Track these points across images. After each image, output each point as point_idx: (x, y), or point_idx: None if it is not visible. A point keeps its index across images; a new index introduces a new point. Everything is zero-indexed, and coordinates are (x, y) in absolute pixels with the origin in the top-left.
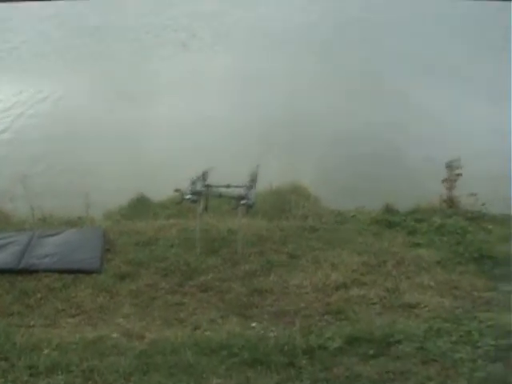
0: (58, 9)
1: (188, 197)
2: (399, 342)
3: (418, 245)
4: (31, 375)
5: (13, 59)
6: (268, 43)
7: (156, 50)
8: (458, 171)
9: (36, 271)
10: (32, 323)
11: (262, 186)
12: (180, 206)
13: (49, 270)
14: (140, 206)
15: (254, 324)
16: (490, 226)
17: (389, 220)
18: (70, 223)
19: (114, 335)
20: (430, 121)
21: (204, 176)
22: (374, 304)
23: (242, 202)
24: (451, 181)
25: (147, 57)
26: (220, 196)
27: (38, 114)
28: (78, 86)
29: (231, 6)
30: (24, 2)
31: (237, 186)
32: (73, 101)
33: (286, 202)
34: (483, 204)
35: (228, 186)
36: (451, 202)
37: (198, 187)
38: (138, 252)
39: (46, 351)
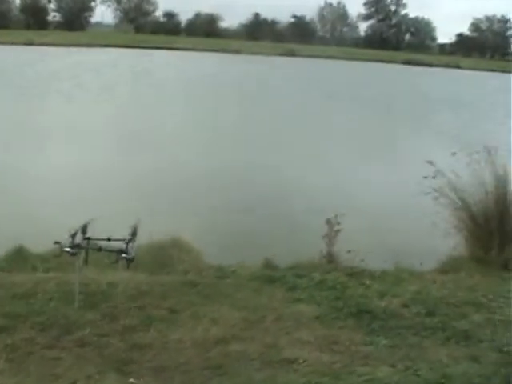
0: None
1: (67, 249)
2: None
3: (297, 300)
4: None
5: None
6: (152, 95)
7: (41, 99)
8: (337, 227)
9: None
10: None
11: (143, 239)
12: (59, 258)
13: None
14: (18, 258)
15: (132, 380)
16: (368, 282)
17: (269, 275)
18: None
19: None
20: (316, 173)
21: (84, 229)
22: (253, 359)
23: (123, 255)
24: (331, 236)
25: (31, 106)
26: (100, 249)
27: None
28: None
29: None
30: None
31: (117, 240)
32: None
33: (167, 256)
34: (362, 260)
35: (108, 240)
36: (331, 258)
37: (78, 240)
38: (15, 305)
39: None
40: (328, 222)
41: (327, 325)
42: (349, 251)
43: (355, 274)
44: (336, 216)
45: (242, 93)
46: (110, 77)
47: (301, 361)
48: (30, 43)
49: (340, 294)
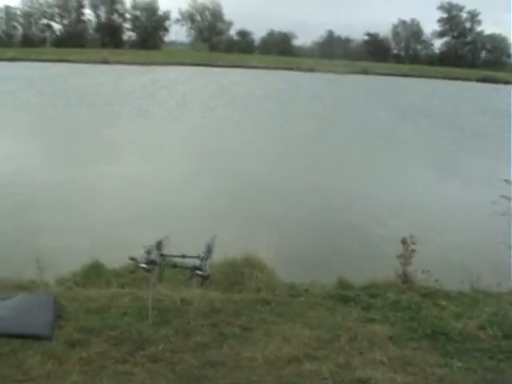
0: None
1: (142, 265)
2: None
3: (371, 320)
4: None
5: None
6: (226, 113)
7: (117, 116)
8: (412, 247)
9: None
10: None
11: (217, 256)
12: (134, 274)
13: None
14: (93, 273)
15: None
16: (443, 302)
17: (343, 294)
18: (22, 287)
19: None
20: (391, 193)
21: (159, 245)
22: (325, 379)
23: (197, 272)
24: (406, 257)
25: (108, 122)
26: (175, 266)
27: None
28: (34, 148)
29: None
30: None
31: (192, 257)
32: (27, 163)
33: (240, 273)
34: (437, 280)
35: (183, 256)
36: (406, 278)
37: (153, 256)
38: (90, 319)
39: None
40: (403, 241)
41: (401, 345)
42: (424, 271)
43: (430, 294)
44: (411, 236)
45: (316, 110)
46: (185, 94)
47: (373, 381)
48: (105, 62)
49: (414, 314)
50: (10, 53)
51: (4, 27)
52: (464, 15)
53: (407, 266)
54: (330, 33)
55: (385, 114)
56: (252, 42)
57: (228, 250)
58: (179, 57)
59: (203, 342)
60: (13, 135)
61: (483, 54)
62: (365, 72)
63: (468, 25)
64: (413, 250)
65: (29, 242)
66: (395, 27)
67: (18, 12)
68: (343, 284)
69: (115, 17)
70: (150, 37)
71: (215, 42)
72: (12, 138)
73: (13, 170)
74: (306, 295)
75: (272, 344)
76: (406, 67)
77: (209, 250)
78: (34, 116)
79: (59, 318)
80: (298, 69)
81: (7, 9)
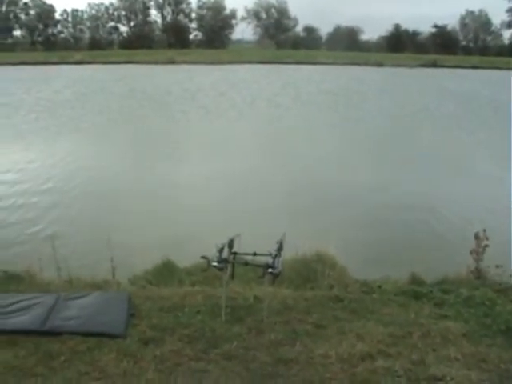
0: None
1: (215, 264)
2: None
3: (444, 316)
4: None
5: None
6: (295, 108)
7: (186, 115)
8: (486, 242)
9: (60, 333)
10: None
11: (287, 253)
12: (206, 273)
13: (73, 333)
14: (165, 272)
15: None
16: None
17: (415, 290)
18: (96, 286)
19: None
20: (463, 187)
21: (230, 243)
22: (399, 376)
23: (269, 270)
24: (479, 252)
25: (178, 119)
26: (247, 264)
27: (67, 174)
28: (107, 146)
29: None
30: None
31: (263, 255)
32: (98, 161)
33: (311, 270)
34: (511, 275)
35: (254, 254)
36: (479, 273)
37: (225, 255)
38: (163, 318)
39: None
40: (476, 236)
41: (475, 342)
42: (497, 266)
43: (504, 290)
44: (484, 230)
45: (385, 105)
46: (255, 92)
47: (448, 378)
48: (172, 62)
49: (488, 310)
50: (78, 56)
51: (71, 31)
52: None
53: (480, 261)
54: (397, 26)
55: (454, 108)
56: (319, 38)
57: (298, 247)
58: (246, 55)
59: (276, 340)
60: (88, 136)
61: None
62: (433, 65)
63: None
64: (486, 245)
65: (102, 241)
66: (463, 18)
67: (85, 15)
68: (415, 280)
69: (181, 17)
70: (216, 36)
71: (282, 39)
72: (87, 138)
73: (87, 170)
74: (378, 292)
75: (345, 341)
76: (475, 59)
77: (280, 248)
78: (107, 117)
79: (133, 316)
80: (366, 63)
81: (74, 12)
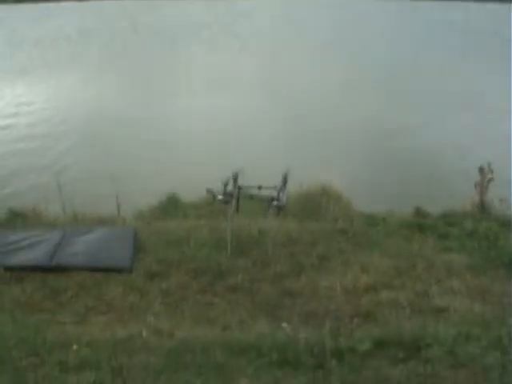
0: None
1: (220, 198)
2: (429, 345)
3: (448, 249)
4: (61, 371)
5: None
6: (300, 44)
7: (191, 48)
8: (490, 176)
9: (67, 269)
10: (63, 320)
11: (292, 187)
12: (210, 206)
13: (80, 268)
14: (170, 206)
15: (283, 325)
16: None
17: (420, 223)
18: (101, 222)
19: (145, 333)
20: (467, 123)
21: (235, 177)
22: (403, 307)
23: (274, 203)
24: (483, 185)
25: (182, 55)
26: (251, 197)
27: (72, 111)
28: (111, 83)
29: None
30: None
31: (268, 188)
32: (104, 98)
33: (316, 203)
34: None
35: (259, 188)
36: (483, 207)
37: (230, 188)
38: (169, 252)
39: (76, 348)
40: (480, 170)
41: (478, 274)
42: (501, 200)
43: (508, 223)
44: (489, 164)
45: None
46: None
47: (451, 310)
48: None
49: (492, 243)
50: None
51: None
52: None
53: (484, 194)
54: None
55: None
56: None
57: (303, 181)
58: None
59: (281, 272)
60: (87, 72)
61: None
62: None
63: None
64: (490, 179)
65: (107, 177)
66: None
67: None
68: (420, 213)
69: None
70: None
71: None
72: (87, 74)
73: (90, 106)
74: (383, 224)
75: (350, 273)
76: None
77: (284, 181)
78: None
79: (139, 250)
80: None
81: None
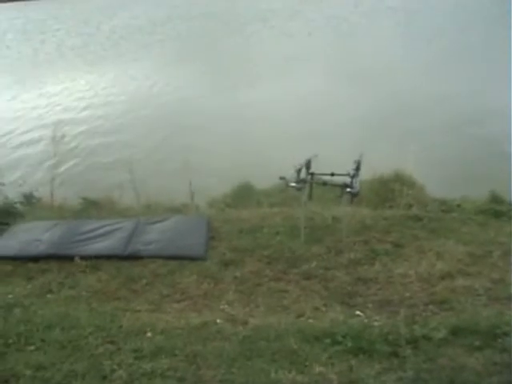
0: None
1: (293, 185)
2: (506, 334)
3: None
4: (136, 358)
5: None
6: (374, 31)
7: (260, 35)
8: None
9: (142, 257)
10: (138, 308)
11: (365, 173)
12: (283, 194)
13: (154, 256)
14: (244, 194)
15: (357, 312)
16: None
17: (495, 209)
18: (175, 210)
19: (219, 321)
20: None
21: (308, 164)
22: (479, 295)
23: (347, 190)
24: None
25: (251, 43)
26: (324, 184)
27: (143, 102)
28: (181, 73)
29: None
30: None
31: (341, 175)
32: (175, 88)
33: (389, 190)
34: None
35: (332, 175)
36: None
37: (303, 175)
38: (242, 239)
39: (150, 335)
40: None
41: None
42: None
43: None
44: None
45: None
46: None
47: None
48: None
49: None
50: None
51: None
52: None
53: None
54: None
55: None
56: None
57: (376, 167)
58: None
59: (355, 259)
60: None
61: None
62: None
63: None
64: None
65: (180, 165)
66: None
67: None
68: (495, 199)
69: None
70: None
71: None
72: (159, 65)
73: (164, 95)
74: (457, 211)
75: (424, 260)
76: None
77: (357, 168)
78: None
79: (212, 238)
80: None
81: None
